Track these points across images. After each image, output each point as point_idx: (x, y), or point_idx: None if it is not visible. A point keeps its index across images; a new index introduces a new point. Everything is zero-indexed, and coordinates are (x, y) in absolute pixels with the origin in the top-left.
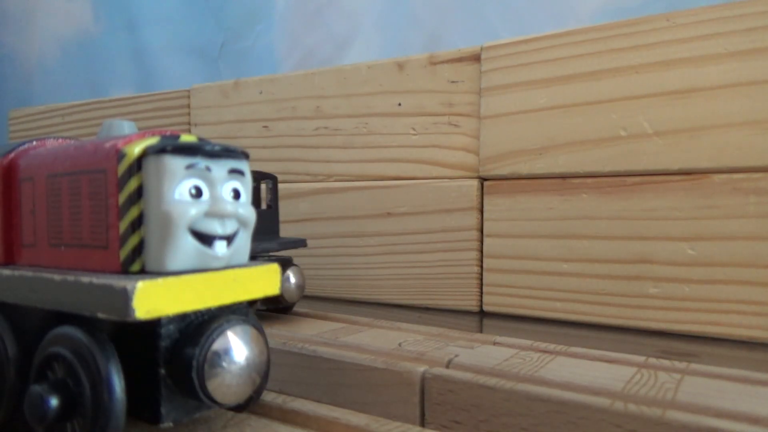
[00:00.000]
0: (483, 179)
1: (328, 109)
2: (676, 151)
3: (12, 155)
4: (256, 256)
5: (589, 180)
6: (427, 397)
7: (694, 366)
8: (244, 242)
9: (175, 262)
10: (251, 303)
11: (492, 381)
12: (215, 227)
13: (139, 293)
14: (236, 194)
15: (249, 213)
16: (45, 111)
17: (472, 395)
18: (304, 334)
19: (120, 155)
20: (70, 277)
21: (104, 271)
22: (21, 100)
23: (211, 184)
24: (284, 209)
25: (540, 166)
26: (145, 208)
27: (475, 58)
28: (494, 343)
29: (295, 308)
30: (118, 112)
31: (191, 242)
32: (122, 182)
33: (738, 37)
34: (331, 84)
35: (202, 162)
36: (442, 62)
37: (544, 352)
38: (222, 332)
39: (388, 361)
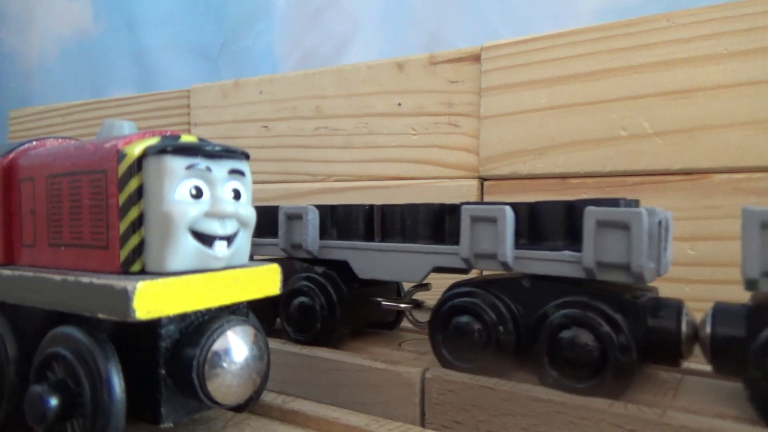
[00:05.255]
0: (483, 179)
1: (328, 109)
2: (676, 151)
3: (12, 155)
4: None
5: (589, 180)
6: (427, 397)
7: (694, 366)
8: (244, 242)
9: (175, 262)
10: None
11: (492, 381)
12: (215, 227)
13: (140, 294)
14: (236, 194)
15: (249, 213)
16: (45, 111)
17: (472, 395)
18: None
19: (120, 155)
20: (70, 278)
21: (104, 271)
22: (21, 100)
23: (211, 185)
24: None
25: (540, 166)
26: (146, 209)
27: (475, 58)
28: None
29: None
30: (118, 112)
31: (191, 242)
32: (123, 182)
33: (738, 37)
34: (331, 84)
35: (202, 162)
36: (442, 62)
37: None
38: (222, 333)
39: (388, 361)
